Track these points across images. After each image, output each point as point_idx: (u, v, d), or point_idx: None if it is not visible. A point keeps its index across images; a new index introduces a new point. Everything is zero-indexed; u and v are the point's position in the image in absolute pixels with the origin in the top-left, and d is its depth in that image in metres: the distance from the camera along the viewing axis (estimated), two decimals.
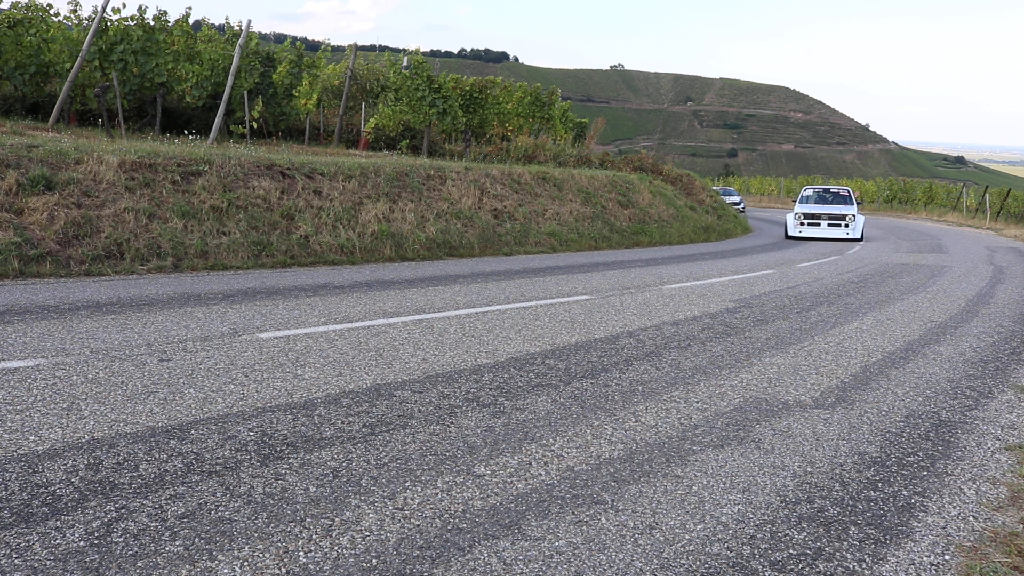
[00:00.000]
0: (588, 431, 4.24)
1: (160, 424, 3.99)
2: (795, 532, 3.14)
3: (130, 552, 2.71)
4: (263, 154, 13.80)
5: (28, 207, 9.39)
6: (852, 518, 3.31)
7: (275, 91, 22.37)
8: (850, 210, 23.29)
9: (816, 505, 3.43)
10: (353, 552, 2.79)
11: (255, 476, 3.41)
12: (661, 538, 3.03)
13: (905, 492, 3.64)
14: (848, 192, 25.23)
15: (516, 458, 3.79)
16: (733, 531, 3.12)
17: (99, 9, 16.61)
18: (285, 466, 3.54)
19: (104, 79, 17.89)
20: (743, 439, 4.24)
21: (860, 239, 22.32)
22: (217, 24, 24.36)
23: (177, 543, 2.78)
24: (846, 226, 22.62)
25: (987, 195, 37.73)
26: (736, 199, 40.01)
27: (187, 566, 2.63)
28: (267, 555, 2.74)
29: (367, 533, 2.94)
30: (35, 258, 8.76)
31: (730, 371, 5.77)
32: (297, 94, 22.80)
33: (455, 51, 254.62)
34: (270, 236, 11.18)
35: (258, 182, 12.03)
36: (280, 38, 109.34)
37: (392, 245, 12.53)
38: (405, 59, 22.65)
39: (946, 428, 4.68)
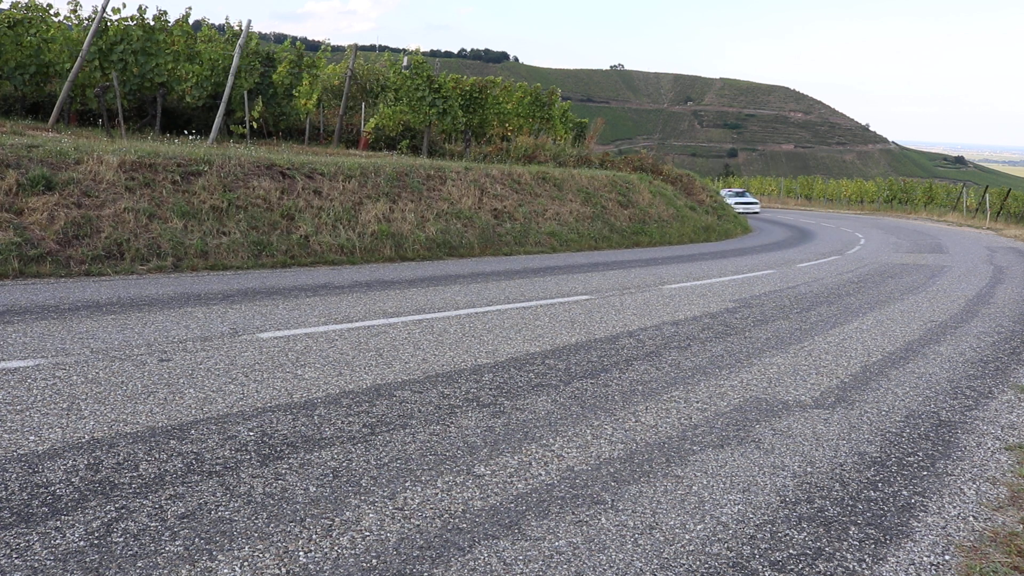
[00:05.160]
0: (588, 431, 4.24)
1: (160, 424, 3.99)
2: (795, 532, 3.14)
3: (130, 552, 2.71)
4: (263, 154, 13.80)
5: (28, 207, 9.40)
6: (852, 518, 3.31)
7: (275, 91, 22.37)
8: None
9: (816, 505, 3.43)
10: (353, 552, 2.79)
11: (255, 476, 3.41)
12: (661, 538, 3.03)
13: (905, 492, 3.64)
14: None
15: (516, 458, 3.79)
16: (733, 531, 3.12)
17: (99, 9, 16.61)
18: (285, 466, 3.54)
19: (104, 79, 17.89)
20: (743, 439, 4.24)
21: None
22: (217, 24, 24.36)
23: (177, 543, 2.78)
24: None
25: (987, 195, 37.73)
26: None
27: (187, 566, 2.63)
28: (267, 555, 2.74)
29: (367, 533, 2.94)
30: (35, 258, 8.76)
31: (730, 371, 5.77)
32: (297, 94, 22.79)
33: (455, 51, 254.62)
34: (270, 236, 11.18)
35: (258, 182, 12.03)
36: (280, 38, 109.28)
37: (392, 245, 12.53)
38: (405, 59, 22.66)
39: (946, 428, 4.68)
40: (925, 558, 2.99)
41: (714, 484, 3.59)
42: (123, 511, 3.01)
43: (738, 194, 41.02)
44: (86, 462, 3.45)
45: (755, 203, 39.57)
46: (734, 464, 3.86)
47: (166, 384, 4.69)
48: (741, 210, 37.91)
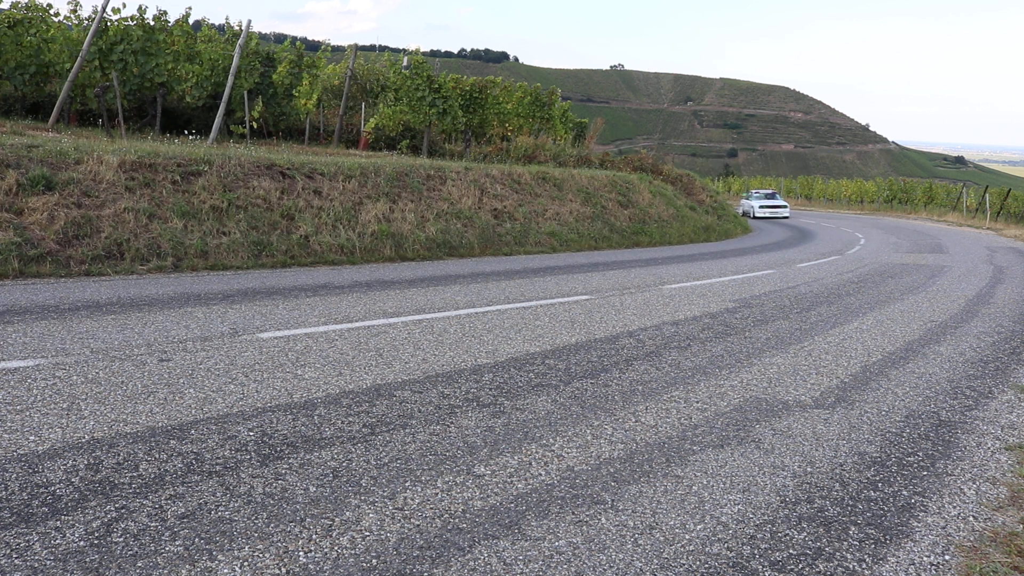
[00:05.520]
0: (588, 431, 4.24)
1: (160, 424, 3.99)
2: (795, 532, 3.14)
3: (130, 552, 2.71)
4: (263, 154, 13.80)
5: (28, 207, 9.40)
6: (852, 518, 3.31)
7: (275, 91, 22.37)
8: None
9: (816, 505, 3.43)
10: (353, 552, 2.79)
11: (255, 476, 3.41)
12: (661, 538, 3.03)
13: (905, 492, 3.64)
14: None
15: (516, 458, 3.79)
16: (733, 531, 3.12)
17: (99, 9, 16.62)
18: (285, 466, 3.54)
19: (104, 79, 17.89)
20: (743, 439, 4.24)
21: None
22: (217, 24, 24.36)
23: (177, 543, 2.78)
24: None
25: (987, 195, 37.74)
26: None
27: (187, 566, 2.63)
28: (267, 555, 2.74)
29: (367, 533, 2.94)
30: (35, 258, 8.76)
31: (730, 371, 5.77)
32: (297, 94, 22.79)
33: (455, 51, 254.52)
34: (270, 236, 11.18)
35: (258, 182, 12.03)
36: (280, 38, 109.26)
37: (392, 245, 12.53)
38: (405, 59, 22.66)
39: (946, 428, 4.68)
40: (925, 558, 2.99)
41: (714, 484, 3.59)
42: (123, 511, 3.01)
43: (768, 196, 37.57)
44: (86, 462, 3.45)
45: (784, 206, 36.23)
46: (734, 464, 3.86)
47: (166, 384, 4.69)
48: (767, 214, 34.95)
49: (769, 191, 39.12)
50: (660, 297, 9.41)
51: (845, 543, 3.07)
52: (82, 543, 2.75)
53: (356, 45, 25.24)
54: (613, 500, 3.36)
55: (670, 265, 13.58)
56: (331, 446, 3.81)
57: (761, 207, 35.50)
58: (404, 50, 25.21)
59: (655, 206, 20.93)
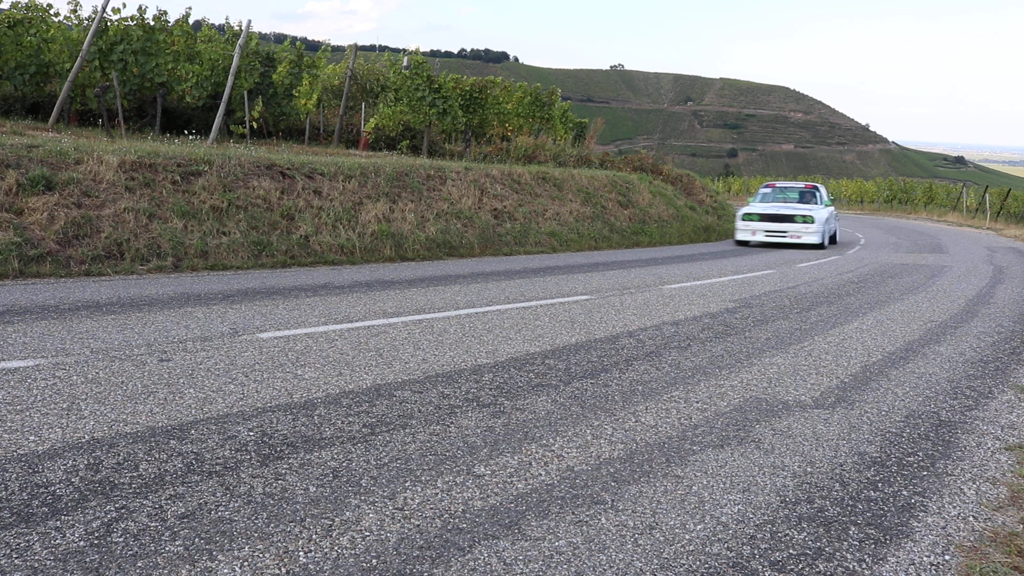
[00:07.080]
0: (588, 431, 4.24)
1: (160, 424, 3.99)
2: (795, 532, 3.14)
3: (130, 552, 2.70)
4: (263, 154, 13.80)
5: (28, 207, 9.39)
6: (852, 518, 3.31)
7: (275, 91, 22.36)
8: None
9: (816, 505, 3.43)
10: (353, 552, 2.79)
11: (255, 476, 3.41)
12: (661, 538, 3.03)
13: (905, 492, 3.64)
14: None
15: (516, 458, 3.78)
16: (733, 531, 3.12)
17: (99, 9, 16.61)
18: (285, 466, 3.54)
19: (104, 79, 17.88)
20: (743, 439, 4.24)
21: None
22: (217, 24, 24.34)
23: (177, 543, 2.78)
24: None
25: (987, 195, 37.73)
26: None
27: (187, 566, 2.63)
28: (267, 555, 2.74)
29: (367, 533, 2.94)
30: (35, 258, 8.76)
31: (730, 371, 5.77)
32: (297, 94, 22.77)
33: (455, 51, 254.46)
34: (270, 236, 11.18)
35: (258, 182, 12.03)
36: (280, 38, 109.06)
37: (392, 245, 12.53)
38: (405, 59, 22.64)
39: (946, 428, 4.68)
40: (925, 558, 2.99)
41: (714, 484, 3.59)
42: (123, 511, 3.01)
43: (804, 195, 20.14)
44: (86, 462, 3.45)
45: (818, 224, 18.18)
46: (734, 464, 3.86)
47: (166, 384, 4.68)
48: (775, 238, 18.20)
49: (799, 184, 21.37)
50: (660, 297, 9.41)
51: (845, 543, 3.07)
52: (82, 543, 2.75)
53: (356, 45, 25.23)
54: (613, 500, 3.36)
55: (670, 265, 13.58)
56: (331, 446, 3.81)
57: (750, 218, 18.91)
58: (404, 50, 25.18)
59: (655, 206, 20.92)
